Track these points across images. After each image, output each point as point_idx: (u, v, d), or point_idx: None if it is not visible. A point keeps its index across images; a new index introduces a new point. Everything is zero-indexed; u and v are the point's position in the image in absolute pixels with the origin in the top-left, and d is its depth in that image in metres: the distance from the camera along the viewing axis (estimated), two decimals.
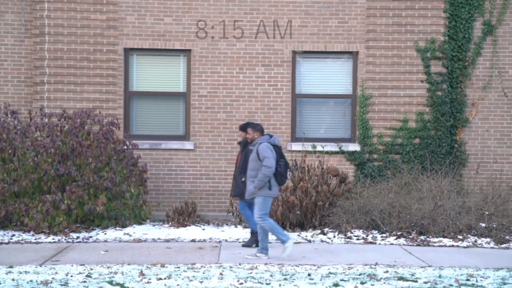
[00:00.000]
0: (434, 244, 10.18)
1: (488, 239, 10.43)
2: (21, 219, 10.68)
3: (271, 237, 9.50)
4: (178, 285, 7.13)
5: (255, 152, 9.00)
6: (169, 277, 7.52)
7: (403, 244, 10.17)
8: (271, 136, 9.16)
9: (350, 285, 7.18)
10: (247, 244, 9.83)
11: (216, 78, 12.56)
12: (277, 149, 9.07)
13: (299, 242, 10.23)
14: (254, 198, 9.00)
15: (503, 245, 10.19)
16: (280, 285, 7.16)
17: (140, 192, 11.54)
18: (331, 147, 12.54)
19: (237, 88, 12.58)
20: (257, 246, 9.35)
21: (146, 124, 12.79)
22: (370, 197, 11.19)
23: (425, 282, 7.38)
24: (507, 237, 10.47)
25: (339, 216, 10.97)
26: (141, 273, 7.71)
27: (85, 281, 7.27)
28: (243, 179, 9.49)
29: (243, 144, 9.91)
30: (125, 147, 11.61)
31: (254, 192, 8.94)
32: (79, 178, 10.83)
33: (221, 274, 7.72)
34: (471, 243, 10.24)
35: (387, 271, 8.02)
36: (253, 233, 9.73)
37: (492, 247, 10.11)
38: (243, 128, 9.85)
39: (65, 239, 10.27)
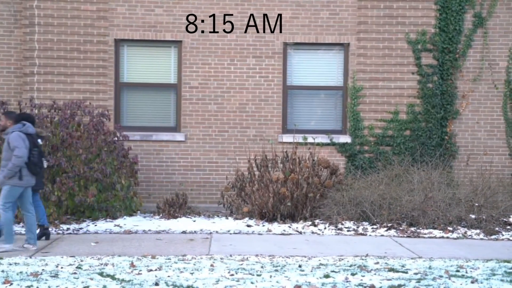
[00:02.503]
0: (424, 236, 10.22)
1: (478, 231, 10.49)
2: None
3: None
4: (169, 276, 7.12)
5: (7, 141, 8.75)
6: (159, 268, 7.51)
7: (394, 236, 10.20)
8: (24, 125, 8.84)
9: (341, 276, 7.20)
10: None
11: (207, 69, 12.52)
12: (31, 137, 8.80)
13: (290, 234, 10.24)
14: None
15: (493, 237, 10.25)
16: (271, 276, 7.16)
17: (131, 183, 11.52)
18: (322, 139, 12.54)
19: (228, 79, 12.55)
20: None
21: (137, 116, 12.74)
22: (360, 188, 11.21)
23: (415, 273, 7.41)
24: (497, 229, 10.53)
25: (330, 208, 10.99)
26: (132, 265, 7.70)
27: (75, 273, 7.25)
28: None
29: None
30: (116, 138, 11.57)
31: (4, 182, 8.69)
32: (70, 169, 10.79)
33: (212, 265, 7.72)
34: (461, 235, 10.29)
35: (377, 263, 8.04)
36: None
37: (481, 239, 10.16)
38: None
39: (55, 231, 10.23)
